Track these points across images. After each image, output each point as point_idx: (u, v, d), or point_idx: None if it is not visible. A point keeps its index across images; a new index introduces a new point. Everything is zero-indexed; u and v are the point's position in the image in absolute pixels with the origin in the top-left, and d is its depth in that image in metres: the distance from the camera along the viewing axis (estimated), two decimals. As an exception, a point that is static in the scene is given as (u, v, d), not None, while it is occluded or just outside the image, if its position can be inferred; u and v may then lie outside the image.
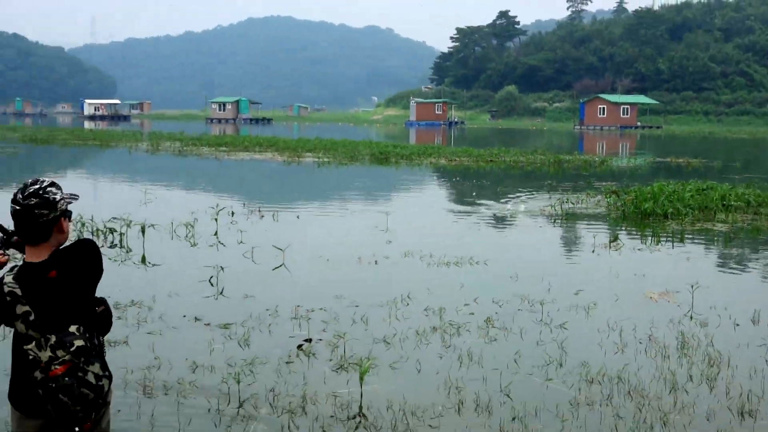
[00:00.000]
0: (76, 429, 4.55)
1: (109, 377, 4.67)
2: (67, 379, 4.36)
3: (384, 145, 42.58)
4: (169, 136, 52.77)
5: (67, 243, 4.72)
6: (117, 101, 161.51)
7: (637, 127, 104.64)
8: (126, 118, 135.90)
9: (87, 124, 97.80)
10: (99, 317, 4.73)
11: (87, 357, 4.47)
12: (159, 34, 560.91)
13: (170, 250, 12.40)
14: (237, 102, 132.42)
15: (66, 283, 4.55)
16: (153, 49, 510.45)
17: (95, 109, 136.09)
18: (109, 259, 11.37)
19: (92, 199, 19.63)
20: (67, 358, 4.39)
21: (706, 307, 9.09)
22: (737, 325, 8.42)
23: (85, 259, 4.64)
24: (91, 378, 4.46)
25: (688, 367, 6.96)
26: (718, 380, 6.65)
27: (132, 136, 55.97)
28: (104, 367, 4.58)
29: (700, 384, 6.57)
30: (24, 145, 45.33)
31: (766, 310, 8.93)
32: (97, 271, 4.70)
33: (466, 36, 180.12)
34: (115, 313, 7.60)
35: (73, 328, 4.50)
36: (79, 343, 4.45)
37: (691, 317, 8.69)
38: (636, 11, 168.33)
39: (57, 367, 4.38)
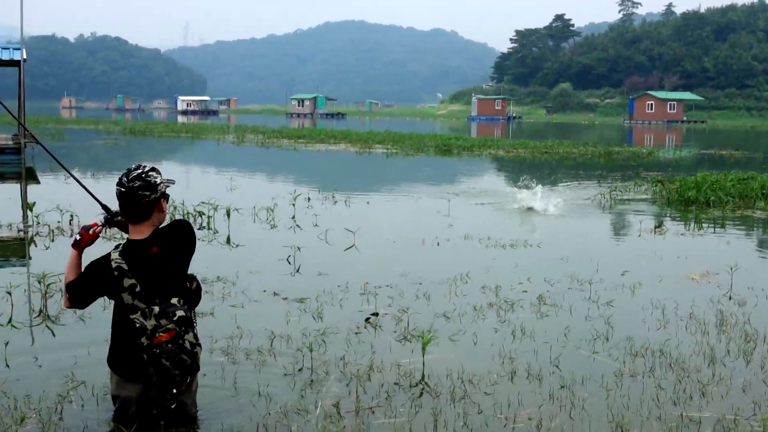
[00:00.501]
0: (174, 391, 4.65)
1: (201, 347, 4.77)
2: (170, 345, 4.47)
3: (447, 138, 42.46)
4: (252, 129, 53.30)
5: (165, 223, 4.83)
6: (207, 98, 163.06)
7: (683, 122, 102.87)
8: (215, 113, 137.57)
9: (180, 119, 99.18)
10: (191, 292, 4.83)
11: (187, 326, 4.59)
12: (245, 37, 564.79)
13: (252, 232, 12.55)
14: (314, 98, 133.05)
15: (166, 258, 4.66)
16: (239, 51, 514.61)
17: (187, 105, 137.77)
18: (198, 239, 11.48)
19: (183, 185, 19.91)
20: (170, 326, 4.50)
21: (744, 287, 8.93)
22: (774, 304, 8.29)
23: (183, 237, 4.75)
24: (188, 346, 4.56)
25: (726, 343, 6.86)
26: (754, 355, 6.54)
27: (220, 129, 56.61)
28: (197, 337, 4.70)
29: (737, 358, 6.46)
30: (124, 137, 46.15)
31: (802, 292, 8.76)
32: (191, 248, 4.82)
33: (524, 37, 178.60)
34: (203, 288, 7.74)
35: (174, 300, 4.62)
36: (180, 313, 4.57)
37: (730, 297, 8.55)
38: (683, 14, 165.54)
39: (162, 334, 4.49)
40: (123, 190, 4.60)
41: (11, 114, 6.50)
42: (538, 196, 15.63)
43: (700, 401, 5.54)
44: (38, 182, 21.41)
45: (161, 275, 4.65)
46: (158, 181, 4.68)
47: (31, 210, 13.35)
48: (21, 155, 25.54)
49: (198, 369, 4.81)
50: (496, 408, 5.34)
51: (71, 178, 5.35)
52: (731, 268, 9.39)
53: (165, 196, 4.78)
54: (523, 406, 5.39)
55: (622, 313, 7.79)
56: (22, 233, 12.37)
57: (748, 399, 5.59)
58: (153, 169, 4.72)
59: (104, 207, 4.94)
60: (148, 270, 4.61)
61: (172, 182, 4.86)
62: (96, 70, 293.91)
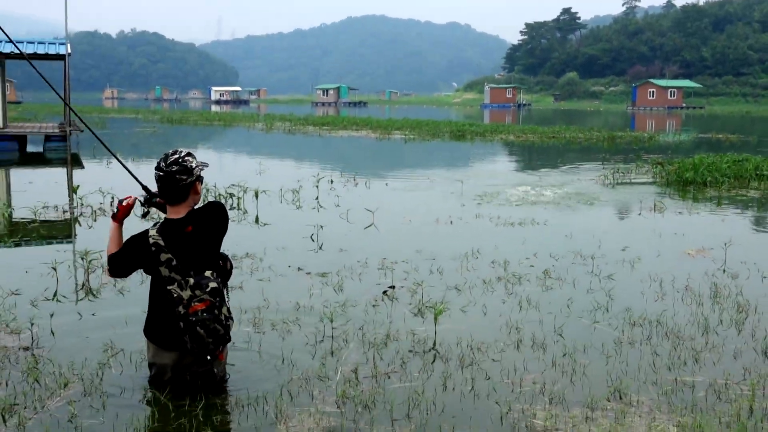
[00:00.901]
0: (208, 357, 4.69)
1: (233, 320, 4.82)
2: (205, 314, 4.52)
3: (461, 124, 42.37)
4: (280, 117, 53.33)
5: (200, 204, 4.87)
6: (238, 88, 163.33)
7: (682, 108, 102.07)
8: (245, 102, 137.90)
9: (213, 108, 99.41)
10: (223, 269, 4.86)
11: (220, 297, 4.62)
12: (273, 32, 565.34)
13: (279, 212, 12.58)
14: (338, 88, 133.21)
15: (200, 236, 4.71)
16: (268, 44, 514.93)
17: (220, 95, 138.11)
18: (231, 219, 11.56)
19: (216, 169, 19.98)
20: (204, 296, 4.55)
21: (737, 262, 8.87)
22: (764, 277, 8.22)
23: (216, 217, 4.79)
24: (222, 317, 4.61)
25: (719, 313, 6.82)
26: (745, 324, 6.51)
27: (250, 117, 56.71)
28: (229, 311, 4.74)
29: (729, 327, 6.43)
30: (162, 125, 46.29)
31: (792, 265, 8.70)
32: (224, 227, 4.86)
33: (533, 30, 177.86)
34: (234, 264, 7.78)
35: (208, 273, 4.67)
36: (213, 285, 4.61)
37: (724, 271, 8.49)
38: (683, 6, 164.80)
39: (197, 303, 4.54)
40: (161, 174, 4.65)
41: (65, 102, 6.56)
42: (545, 178, 15.56)
43: (694, 367, 5.52)
44: (82, 167, 21.54)
45: (195, 252, 4.69)
46: (193, 165, 4.71)
47: (76, 192, 13.45)
48: (66, 142, 25.66)
49: (229, 340, 4.85)
50: (503, 374, 5.35)
51: (113, 162, 5.43)
52: (725, 244, 9.34)
53: (200, 179, 4.81)
54: (528, 371, 5.40)
55: (622, 286, 7.76)
56: (67, 214, 12.47)
57: (739, 365, 5.57)
58: (189, 154, 4.76)
59: (145, 188, 4.99)
60: (183, 247, 4.65)
61: (206, 165, 4.90)
62: (136, 63, 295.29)
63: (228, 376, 5.08)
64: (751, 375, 5.35)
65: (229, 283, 5.18)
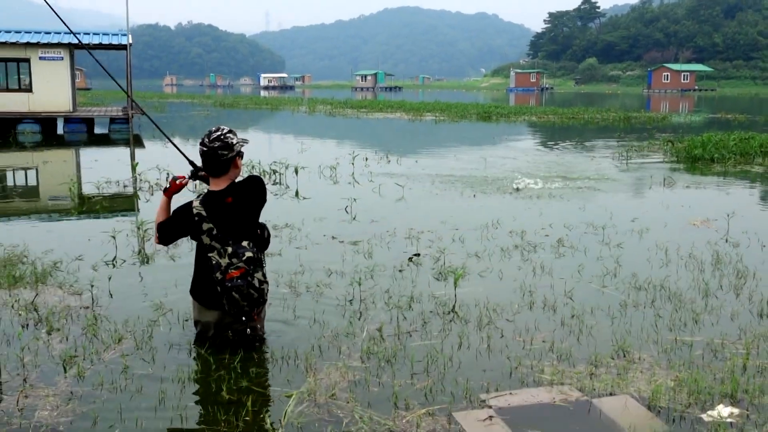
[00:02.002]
0: (243, 318, 4.73)
1: (268, 284, 4.84)
2: (239, 281, 4.53)
3: (488, 106, 42.11)
4: (322, 101, 53.38)
5: (241, 177, 4.89)
6: (285, 75, 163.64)
7: (695, 90, 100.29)
8: (291, 88, 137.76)
9: (262, 93, 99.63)
10: (262, 239, 4.88)
11: (255, 265, 4.64)
12: (316, 23, 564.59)
13: (317, 187, 12.60)
14: (375, 74, 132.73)
15: (239, 207, 4.72)
16: (312, 34, 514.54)
17: (268, 81, 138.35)
18: (272, 193, 11.62)
19: (262, 147, 20.09)
20: (240, 264, 4.56)
21: (739, 232, 8.73)
22: (764, 246, 8.09)
23: (255, 190, 4.80)
24: (256, 282, 4.62)
25: (720, 279, 6.73)
26: (743, 289, 6.41)
27: (295, 101, 56.77)
28: (265, 276, 4.75)
29: (729, 292, 6.34)
30: (215, 109, 46.50)
31: (790, 235, 8.53)
32: (262, 200, 4.86)
33: (556, 19, 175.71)
34: (273, 233, 7.81)
35: (245, 243, 4.67)
36: (249, 254, 4.63)
37: (726, 240, 8.37)
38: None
39: (233, 270, 4.56)
40: (205, 149, 4.67)
41: (122, 88, 6.58)
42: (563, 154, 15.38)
43: (693, 328, 5.45)
44: (143, 146, 21.76)
45: (234, 221, 4.71)
46: (234, 141, 4.72)
47: (135, 170, 13.62)
48: (129, 124, 25.94)
49: (265, 302, 4.88)
50: (515, 332, 5.34)
51: (170, 143, 5.41)
52: (728, 215, 9.19)
53: (240, 154, 4.81)
54: (539, 331, 5.37)
55: (630, 254, 7.68)
56: (127, 189, 12.62)
57: (735, 326, 5.49)
58: (230, 131, 4.76)
59: (191, 163, 5.01)
60: (223, 216, 4.68)
61: (246, 142, 4.89)
62: (192, 52, 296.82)
63: (265, 334, 5.12)
64: (746, 335, 5.27)
65: (268, 250, 5.19)
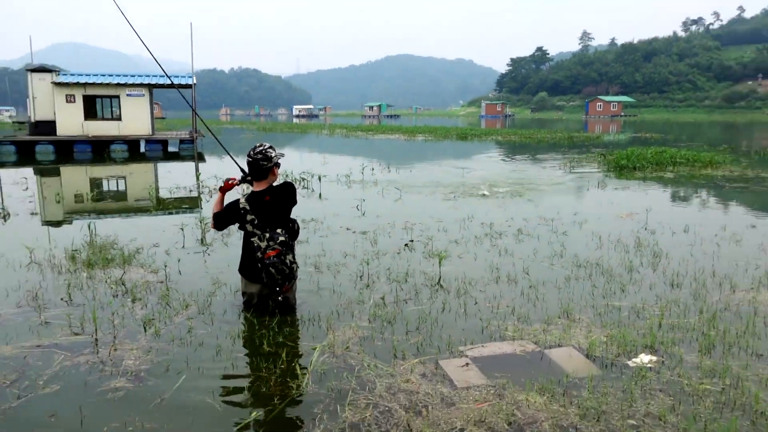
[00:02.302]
0: (277, 289, 4.70)
1: (297, 265, 4.81)
2: (275, 258, 4.51)
3: (465, 129, 41.86)
4: (339, 126, 53.22)
5: (278, 182, 4.87)
6: (311, 106, 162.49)
7: (621, 116, 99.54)
8: (316, 116, 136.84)
9: (294, 120, 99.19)
10: (292, 230, 4.84)
11: (287, 248, 4.60)
12: (335, 67, 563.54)
13: (335, 190, 12.52)
14: (379, 105, 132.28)
15: (274, 204, 4.70)
16: (332, 75, 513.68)
17: (299, 111, 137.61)
18: (301, 195, 11.57)
19: (294, 161, 20.01)
20: (275, 246, 4.55)
21: (655, 222, 8.65)
22: (673, 233, 8.00)
23: (287, 193, 4.77)
24: (288, 261, 4.59)
25: (641, 258, 6.65)
26: (659, 266, 6.34)
27: (319, 126, 56.53)
28: (294, 258, 4.72)
29: (647, 268, 6.27)
30: (259, 132, 46.27)
31: (692, 225, 8.44)
32: (293, 200, 4.82)
33: (516, 63, 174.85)
34: (302, 226, 7.75)
35: (279, 230, 4.65)
36: (282, 238, 4.61)
37: (645, 228, 8.28)
38: (622, 44, 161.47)
39: (270, 251, 4.54)
40: (250, 159, 4.67)
41: (201, 120, 6.59)
42: (523, 164, 15.25)
43: (621, 295, 5.40)
44: (204, 161, 21.68)
45: (271, 214, 4.69)
46: (273, 155, 4.70)
47: (199, 178, 13.58)
48: (194, 144, 25.87)
49: (295, 278, 4.84)
50: (486, 300, 5.29)
51: (225, 158, 5.41)
52: (647, 210, 9.14)
53: (277, 165, 4.78)
54: (504, 298, 5.32)
55: (573, 240, 7.61)
56: (193, 192, 12.58)
57: (653, 294, 5.43)
58: (270, 147, 4.76)
59: (242, 171, 4.97)
60: (262, 210, 4.66)
61: (282, 155, 4.87)
62: (241, 90, 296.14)
63: (296, 302, 5.08)
64: (661, 301, 5.22)
65: (299, 238, 5.15)
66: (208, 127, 5.63)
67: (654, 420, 3.28)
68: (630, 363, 3.97)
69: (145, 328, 4.62)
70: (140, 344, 4.31)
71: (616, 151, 20.24)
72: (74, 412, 3.37)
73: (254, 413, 3.38)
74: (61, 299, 5.29)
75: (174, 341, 4.37)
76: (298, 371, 3.89)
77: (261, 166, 4.67)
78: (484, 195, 11.69)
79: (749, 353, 4.14)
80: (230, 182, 4.86)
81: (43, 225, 9.09)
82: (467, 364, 3.96)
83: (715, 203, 10.81)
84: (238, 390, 3.69)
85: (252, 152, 4.69)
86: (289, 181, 5.01)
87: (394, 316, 4.83)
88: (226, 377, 3.85)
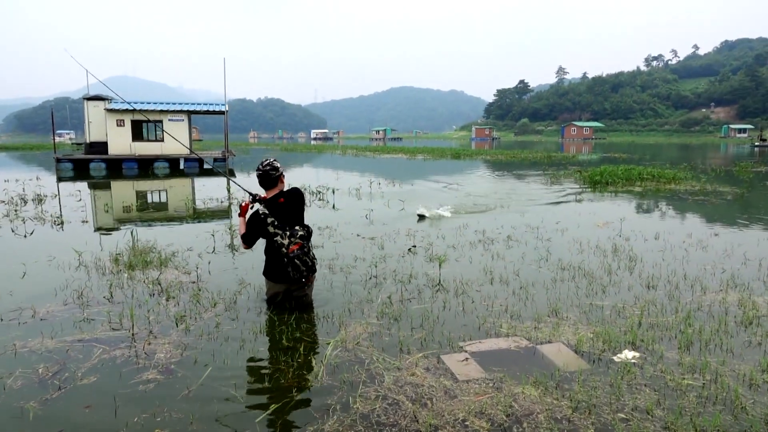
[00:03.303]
0: (303, 280, 4.51)
1: (317, 260, 4.64)
2: (298, 251, 4.37)
3: (458, 150, 41.66)
4: (350, 147, 53.06)
5: (286, 188, 4.71)
6: (326, 130, 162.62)
7: (592, 139, 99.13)
8: (331, 139, 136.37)
9: (312, 142, 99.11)
10: (307, 230, 4.65)
11: (306, 242, 4.46)
12: (346, 97, 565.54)
13: (347, 202, 12.30)
14: (385, 129, 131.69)
15: (288, 205, 4.55)
16: (344, 104, 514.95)
17: (316, 135, 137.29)
18: (318, 207, 11.38)
19: (312, 176, 19.82)
20: (297, 240, 4.39)
21: (629, 230, 8.39)
22: (645, 240, 7.73)
23: (297, 195, 4.62)
24: (310, 253, 4.43)
25: (618, 262, 6.40)
26: (635, 269, 6.08)
27: (333, 147, 56.43)
28: (314, 255, 4.55)
29: (625, 271, 6.02)
30: (281, 152, 46.22)
31: (661, 233, 8.19)
32: (303, 201, 4.66)
33: (501, 93, 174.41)
34: (318, 232, 7.53)
35: (297, 227, 4.47)
36: (301, 233, 4.47)
37: (620, 235, 8.02)
38: (593, 77, 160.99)
39: (293, 245, 4.37)
40: (260, 172, 4.56)
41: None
42: (508, 180, 14.99)
43: (602, 295, 5.16)
44: (235, 176, 21.54)
45: (287, 214, 4.54)
46: (278, 166, 4.59)
47: (230, 191, 13.40)
48: (226, 162, 25.75)
49: (315, 270, 4.63)
50: (482, 299, 5.06)
51: (252, 173, 5.24)
52: (621, 219, 8.90)
53: (282, 175, 4.64)
54: (497, 298, 5.09)
55: (556, 245, 7.36)
56: (224, 204, 12.40)
57: (631, 294, 5.19)
58: (275, 160, 4.70)
59: (249, 192, 4.76)
60: (279, 212, 4.51)
61: (284, 169, 4.75)
62: (267, 116, 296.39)
63: (312, 300, 4.87)
64: (639, 301, 4.98)
65: (315, 242, 4.94)
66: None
67: (642, 414, 3.04)
68: (615, 358, 3.73)
69: (177, 323, 4.41)
70: (172, 339, 4.10)
71: (590, 168, 19.99)
72: (109, 403, 3.16)
73: (273, 405, 3.15)
74: (104, 297, 5.09)
75: (202, 336, 4.16)
76: (314, 364, 3.66)
77: (270, 175, 4.57)
78: (490, 197, 11.39)
79: (725, 350, 3.89)
80: (245, 205, 4.70)
81: (94, 232, 8.91)
82: (467, 358, 3.73)
83: (680, 214, 10.54)
84: (258, 382, 3.47)
85: (261, 165, 4.60)
86: (296, 187, 4.82)
87: (399, 314, 4.61)
88: (248, 370, 3.63)
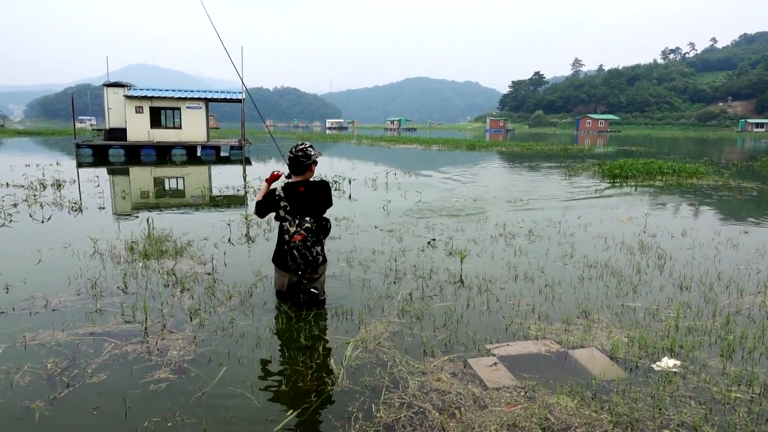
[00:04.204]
0: (300, 273, 4.28)
1: (324, 257, 4.38)
2: (300, 243, 4.14)
3: (473, 141, 41.16)
4: (365, 137, 52.67)
5: (315, 178, 4.48)
6: (342, 120, 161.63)
7: (608, 132, 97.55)
8: (346, 128, 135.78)
9: (327, 131, 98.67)
10: (325, 228, 4.41)
11: (313, 236, 4.21)
12: (361, 87, 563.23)
13: (363, 192, 12.05)
14: (399, 120, 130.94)
15: (307, 196, 4.30)
16: (359, 93, 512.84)
17: (331, 124, 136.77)
18: (335, 197, 11.14)
19: (327, 165, 19.58)
20: (301, 231, 4.16)
21: (654, 226, 8.05)
22: (673, 236, 7.39)
23: (323, 190, 4.36)
24: (312, 250, 4.21)
25: (646, 260, 6.08)
26: (665, 268, 5.76)
27: (348, 137, 56.13)
28: (323, 250, 4.30)
29: (654, 270, 5.70)
30: (297, 141, 46.05)
31: (689, 230, 7.82)
32: (328, 199, 4.41)
33: (516, 85, 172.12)
34: (335, 224, 7.30)
35: (307, 218, 4.23)
36: (307, 225, 4.21)
37: (645, 231, 7.69)
38: (609, 70, 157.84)
39: (296, 236, 4.15)
40: (291, 155, 4.33)
41: (269, 131, 6.19)
42: (526, 171, 14.60)
43: (634, 296, 4.86)
44: (251, 165, 21.35)
45: (302, 204, 4.29)
46: (312, 153, 4.33)
47: (245, 180, 13.21)
48: (242, 150, 25.61)
49: (317, 267, 4.38)
50: (507, 297, 4.79)
51: (270, 161, 4.97)
52: (646, 215, 8.53)
53: (315, 162, 4.37)
54: (523, 296, 4.82)
55: (580, 241, 7.05)
56: (240, 192, 12.22)
57: (664, 295, 4.88)
58: (311, 146, 4.40)
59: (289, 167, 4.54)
60: (294, 199, 4.28)
61: (321, 154, 4.48)
62: (283, 105, 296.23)
63: (325, 296, 4.63)
64: (673, 303, 4.67)
65: (332, 235, 4.69)
66: (270, 134, 5.20)
67: (689, 430, 2.76)
68: (654, 366, 3.45)
69: (191, 317, 4.21)
70: (185, 334, 3.90)
71: (607, 161, 19.49)
72: (119, 404, 2.95)
73: (291, 411, 2.93)
74: (117, 288, 4.91)
75: (217, 332, 3.94)
76: (333, 366, 3.43)
77: (301, 162, 4.31)
78: (509, 188, 11.09)
79: (772, 360, 3.59)
80: (275, 173, 4.48)
81: (112, 218, 8.76)
82: (496, 363, 3.47)
83: (705, 210, 10.12)
84: (275, 384, 3.23)
85: (294, 149, 4.35)
86: (326, 180, 4.55)
87: (421, 312, 4.36)
88: (264, 370, 3.40)
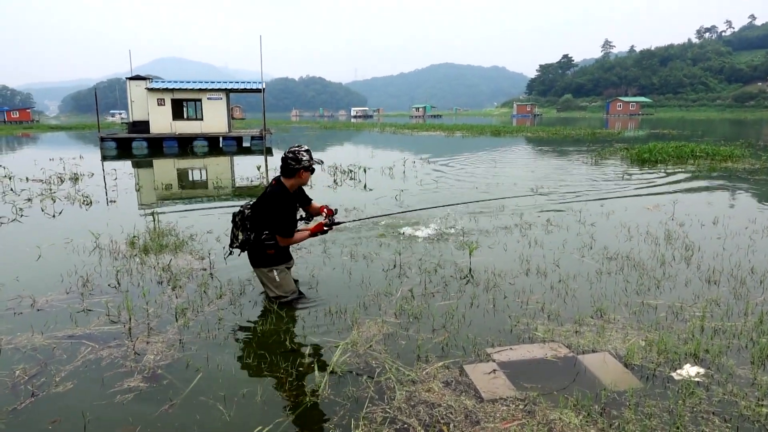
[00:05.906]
0: (224, 248, 4.13)
1: (263, 261, 4.20)
2: (236, 214, 4.18)
3: (498, 127, 40.32)
4: (389, 125, 52.13)
5: (305, 186, 4.18)
6: (367, 108, 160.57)
7: (639, 115, 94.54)
8: (371, 116, 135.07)
9: (352, 120, 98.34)
10: (244, 220, 4.15)
11: (240, 220, 4.10)
12: (386, 74, 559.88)
13: (379, 181, 11.71)
14: (425, 107, 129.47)
15: (257, 203, 3.97)
16: (384, 81, 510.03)
17: (356, 113, 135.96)
18: (349, 186, 10.86)
19: (347, 153, 19.31)
20: (243, 209, 4.12)
21: (683, 214, 7.52)
22: (702, 225, 6.87)
23: (263, 203, 4.02)
24: (236, 231, 4.13)
25: (672, 251, 5.62)
26: (692, 260, 5.30)
27: (372, 125, 55.75)
28: (248, 238, 4.12)
29: (680, 262, 5.25)
30: (321, 130, 45.82)
31: (720, 218, 7.28)
32: (267, 216, 4.03)
33: (544, 68, 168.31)
34: (345, 214, 7.01)
35: (248, 211, 4.10)
36: (247, 212, 4.09)
37: (673, 219, 7.18)
38: (641, 50, 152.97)
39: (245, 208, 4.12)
40: (282, 156, 3.98)
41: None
42: (550, 157, 14.02)
43: (656, 292, 4.44)
44: (272, 155, 21.25)
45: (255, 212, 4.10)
46: (304, 158, 3.97)
47: (267, 170, 13.03)
48: (263, 140, 25.55)
49: (238, 251, 4.27)
50: (515, 294, 4.43)
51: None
52: (674, 202, 8.00)
53: (306, 169, 4.02)
54: (533, 293, 4.46)
55: (601, 231, 6.60)
56: (256, 181, 12.04)
57: (690, 291, 4.45)
58: (306, 151, 4.03)
59: (330, 221, 4.32)
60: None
61: (320, 162, 4.16)
62: (308, 95, 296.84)
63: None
64: (699, 300, 4.24)
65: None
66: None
67: (712, 455, 2.40)
68: (674, 375, 3.07)
69: (177, 317, 3.99)
70: (168, 336, 3.68)
71: (636, 145, 18.67)
72: (79, 417, 2.74)
73: (260, 428, 2.66)
74: (108, 285, 4.73)
75: (200, 334, 3.71)
76: (317, 373, 3.15)
77: (289, 165, 3.98)
78: (530, 174, 10.63)
79: (811, 368, 3.16)
80: (319, 225, 4.20)
81: (119, 212, 8.66)
82: (494, 370, 3.14)
83: (740, 196, 9.48)
84: (252, 394, 2.97)
85: (287, 150, 4.02)
86: (278, 194, 3.96)
87: (420, 311, 4.05)
88: (242, 378, 3.15)
